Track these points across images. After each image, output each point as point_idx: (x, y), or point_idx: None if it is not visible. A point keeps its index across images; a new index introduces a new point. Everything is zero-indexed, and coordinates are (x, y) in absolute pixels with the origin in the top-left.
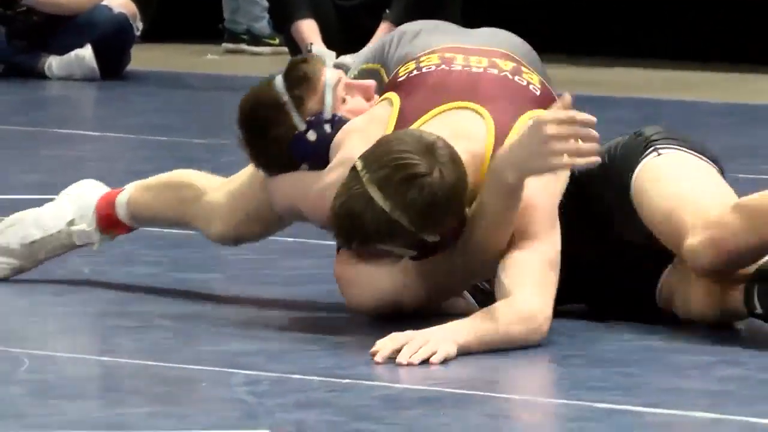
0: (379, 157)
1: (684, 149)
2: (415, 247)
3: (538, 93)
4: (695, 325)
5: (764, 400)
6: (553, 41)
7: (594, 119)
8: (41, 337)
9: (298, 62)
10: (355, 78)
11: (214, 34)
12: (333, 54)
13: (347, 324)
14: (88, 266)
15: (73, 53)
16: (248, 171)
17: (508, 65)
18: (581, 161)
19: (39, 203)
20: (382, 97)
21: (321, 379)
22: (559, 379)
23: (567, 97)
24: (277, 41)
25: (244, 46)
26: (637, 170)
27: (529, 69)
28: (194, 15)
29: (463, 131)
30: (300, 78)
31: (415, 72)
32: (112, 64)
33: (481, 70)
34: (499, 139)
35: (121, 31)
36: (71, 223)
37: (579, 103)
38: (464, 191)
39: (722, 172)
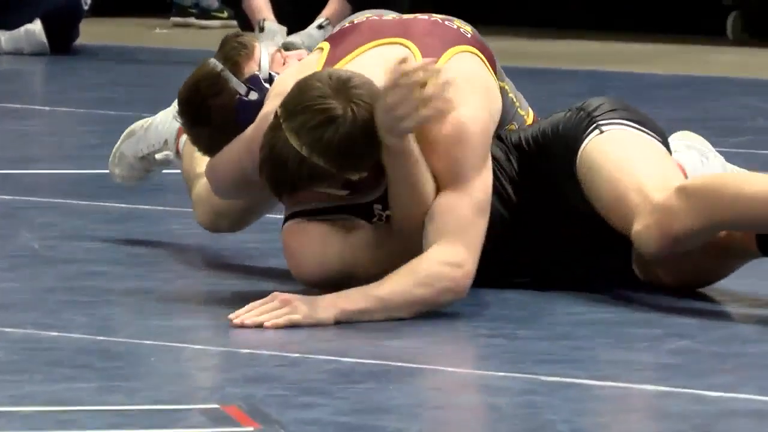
0: (294, 103)
1: (627, 124)
2: (343, 187)
3: (468, 36)
4: (647, 299)
5: (713, 373)
6: (497, 13)
7: (431, 64)
8: None
9: (231, 36)
10: None
11: (163, 7)
12: (284, 29)
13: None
14: (38, 241)
15: (22, 28)
16: None
17: (436, 15)
18: (430, 112)
19: None
20: (315, 48)
21: (270, 353)
22: (506, 352)
23: (402, 64)
24: (225, 15)
25: (192, 20)
26: (580, 150)
27: (463, 24)
28: None
29: (390, 62)
30: (234, 48)
31: (347, 25)
32: (61, 38)
33: (411, 17)
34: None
35: (70, 5)
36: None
37: (524, 75)
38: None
39: (666, 144)
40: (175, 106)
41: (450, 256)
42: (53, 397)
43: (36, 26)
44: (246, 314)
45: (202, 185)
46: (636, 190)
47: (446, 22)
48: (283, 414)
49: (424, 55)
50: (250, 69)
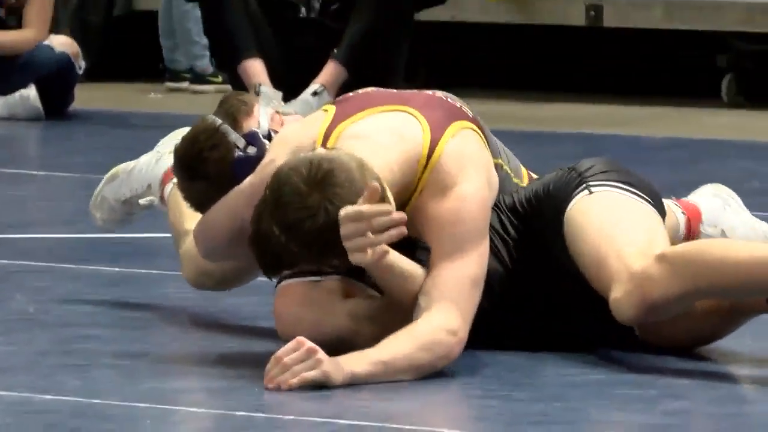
0: (275, 194)
1: (617, 185)
2: (330, 269)
3: (470, 114)
4: (640, 359)
5: None
6: (494, 76)
7: (387, 208)
8: None
9: (231, 94)
10: None
11: (157, 72)
12: (280, 94)
13: None
14: (33, 305)
15: (17, 93)
16: None
17: (441, 93)
18: (376, 254)
19: None
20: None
21: (265, 415)
22: (501, 413)
23: (370, 188)
24: (220, 79)
25: (186, 85)
26: (567, 209)
27: (462, 102)
28: (137, 54)
29: (397, 130)
30: (234, 104)
31: (348, 95)
32: (55, 103)
33: (415, 92)
34: (435, 140)
35: (64, 70)
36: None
37: (520, 138)
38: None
39: (660, 206)
40: (158, 150)
41: (447, 322)
42: None
43: (31, 91)
44: (279, 375)
45: (190, 242)
46: (616, 256)
47: (449, 99)
48: None
49: (431, 123)
50: (249, 125)
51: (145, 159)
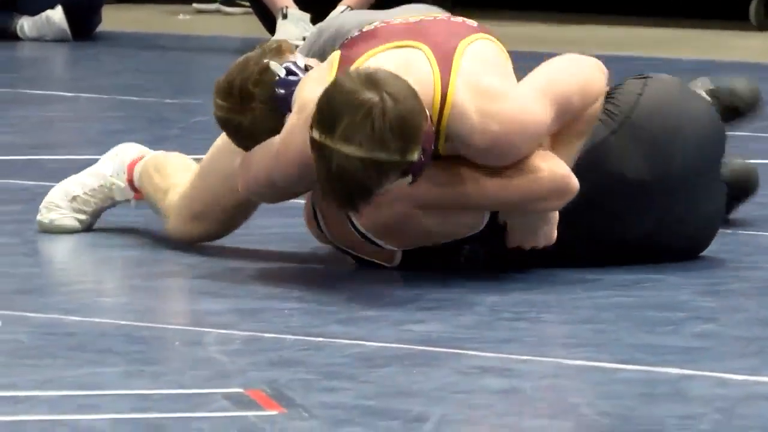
0: (328, 114)
1: None
2: (408, 172)
3: (476, 24)
4: (670, 282)
5: (737, 357)
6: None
7: None
8: (13, 297)
9: (265, 42)
10: None
11: None
12: (308, 16)
13: (320, 283)
14: None
15: (44, 14)
16: (195, 169)
17: (440, 14)
18: None
19: (10, 164)
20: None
21: (294, 337)
22: (530, 336)
23: None
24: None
25: (215, 6)
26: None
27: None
28: None
29: (405, 64)
30: (271, 44)
31: (356, 33)
32: (83, 24)
33: (419, 19)
34: (444, 69)
35: None
36: (110, 178)
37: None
38: (418, 98)
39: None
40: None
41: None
42: (76, 381)
43: (57, 13)
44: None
45: (174, 194)
46: None
47: (451, 18)
48: (307, 398)
49: (437, 52)
50: (287, 57)
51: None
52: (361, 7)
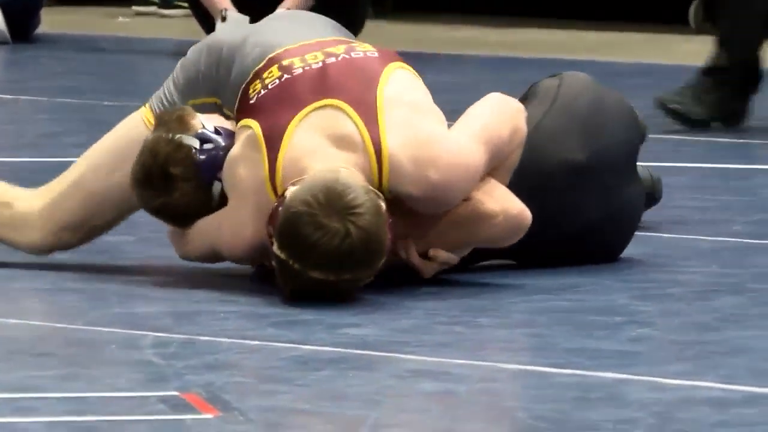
0: (293, 241)
1: None
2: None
3: (377, 55)
4: (605, 286)
5: (673, 361)
6: (463, 1)
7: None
8: None
9: (163, 112)
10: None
11: None
12: (247, 18)
13: (255, 286)
14: None
15: None
16: (66, 181)
17: (340, 48)
18: None
19: None
20: (240, 124)
21: (230, 340)
22: (466, 340)
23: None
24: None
25: (154, 9)
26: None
27: (356, 41)
28: None
29: (335, 135)
30: (171, 115)
31: (262, 92)
32: (22, 26)
33: (321, 63)
34: (371, 125)
35: None
36: None
37: (486, 64)
38: (381, 211)
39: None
40: None
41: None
42: (14, 384)
43: None
44: None
45: (24, 205)
46: None
47: (353, 54)
48: (242, 401)
49: (358, 110)
50: (195, 126)
51: None
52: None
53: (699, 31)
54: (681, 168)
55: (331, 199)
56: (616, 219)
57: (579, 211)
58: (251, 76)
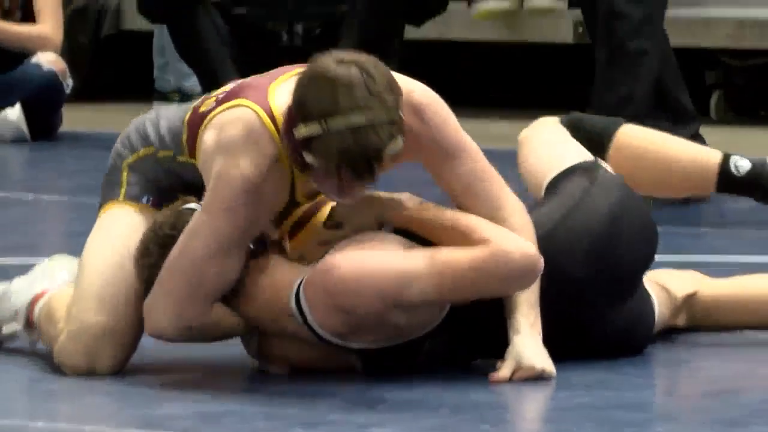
0: (319, 98)
1: None
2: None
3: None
4: (630, 381)
5: None
6: (482, 95)
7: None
8: None
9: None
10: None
11: (146, 93)
12: None
13: (283, 385)
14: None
15: (1, 113)
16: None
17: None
18: None
19: None
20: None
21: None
22: None
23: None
24: None
25: (175, 106)
26: None
27: None
28: (125, 74)
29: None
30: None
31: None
32: (42, 123)
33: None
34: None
35: (51, 89)
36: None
37: (509, 157)
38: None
39: None
40: (32, 274)
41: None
42: None
43: (15, 112)
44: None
45: (64, 334)
46: None
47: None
48: None
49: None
50: (192, 199)
51: (17, 283)
52: None
53: (721, 121)
54: None
55: (336, 57)
56: (617, 338)
57: (580, 326)
58: (190, 111)
